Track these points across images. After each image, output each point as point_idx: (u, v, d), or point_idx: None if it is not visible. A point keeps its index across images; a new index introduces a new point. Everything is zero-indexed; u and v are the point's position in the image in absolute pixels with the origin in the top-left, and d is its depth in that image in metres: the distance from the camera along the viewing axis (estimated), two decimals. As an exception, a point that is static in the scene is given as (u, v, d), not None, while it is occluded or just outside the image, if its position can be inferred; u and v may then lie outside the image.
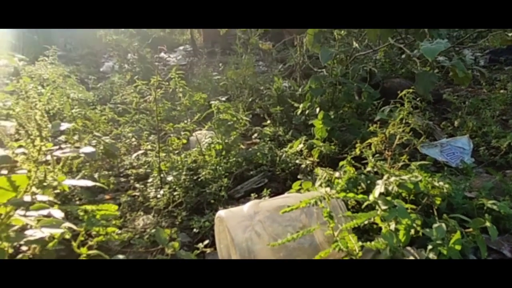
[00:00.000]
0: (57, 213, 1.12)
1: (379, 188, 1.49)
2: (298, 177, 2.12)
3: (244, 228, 1.41)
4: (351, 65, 2.97)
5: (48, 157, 1.34)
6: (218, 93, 3.62)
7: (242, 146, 2.51)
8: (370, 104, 2.73)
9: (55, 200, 1.14)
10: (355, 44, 2.54)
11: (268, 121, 2.74)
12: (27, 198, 1.04)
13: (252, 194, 1.92)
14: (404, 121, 1.88)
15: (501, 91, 3.84)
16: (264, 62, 5.30)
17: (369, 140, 1.89)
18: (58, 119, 2.79)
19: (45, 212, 1.12)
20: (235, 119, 2.36)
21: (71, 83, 3.36)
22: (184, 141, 2.30)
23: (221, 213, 1.37)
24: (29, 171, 1.12)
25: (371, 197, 1.49)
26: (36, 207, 1.07)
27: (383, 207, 1.39)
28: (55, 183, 1.22)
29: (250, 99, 3.20)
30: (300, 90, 2.63)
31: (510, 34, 4.04)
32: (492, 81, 4.33)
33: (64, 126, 1.52)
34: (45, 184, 1.20)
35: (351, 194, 1.38)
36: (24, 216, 1.05)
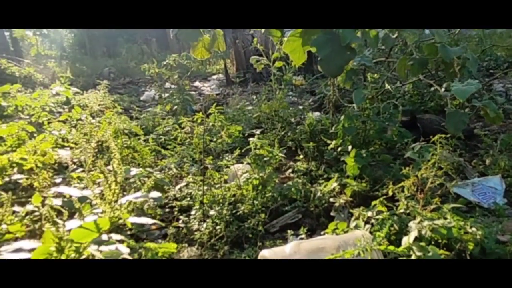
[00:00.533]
0: (124, 249, 1.27)
1: (413, 234, 1.58)
2: (331, 214, 2.22)
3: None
4: (381, 100, 3.08)
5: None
6: (251, 124, 3.79)
7: (276, 181, 2.63)
8: (399, 142, 2.82)
9: (124, 237, 1.28)
10: (387, 86, 2.65)
11: (301, 156, 2.86)
12: (105, 237, 1.20)
13: (289, 231, 2.03)
14: (436, 165, 1.96)
15: (535, 126, 3.83)
16: (293, 92, 5.47)
17: (402, 184, 1.98)
18: (107, 149, 3.01)
19: (113, 247, 1.28)
20: (271, 155, 2.50)
21: (117, 110, 3.61)
22: (226, 176, 2.45)
23: (265, 253, 1.49)
24: (104, 211, 1.29)
25: (405, 242, 1.58)
26: (108, 243, 1.23)
27: (418, 253, 1.47)
28: (120, 221, 1.38)
29: (282, 132, 3.34)
30: (333, 128, 2.75)
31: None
32: (525, 115, 4.31)
33: (133, 171, 1.70)
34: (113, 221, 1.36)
35: (391, 247, 1.47)
36: (97, 250, 1.21)
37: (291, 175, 2.74)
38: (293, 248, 1.51)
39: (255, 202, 2.23)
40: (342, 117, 2.58)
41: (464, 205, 2.60)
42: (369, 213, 2.02)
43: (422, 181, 2.04)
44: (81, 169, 2.43)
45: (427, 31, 3.14)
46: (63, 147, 2.89)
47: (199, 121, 2.62)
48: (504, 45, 7.24)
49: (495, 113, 2.91)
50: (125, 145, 2.82)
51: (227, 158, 2.47)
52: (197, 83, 6.06)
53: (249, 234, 2.04)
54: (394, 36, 2.97)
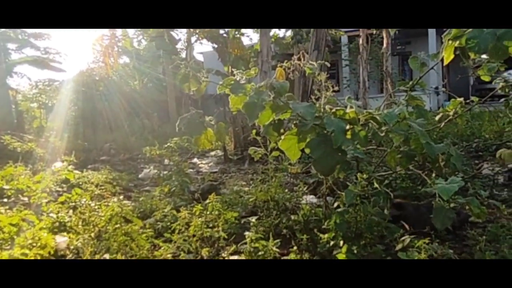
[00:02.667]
0: None
1: None
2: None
3: None
4: (372, 191, 3.23)
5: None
6: (247, 208, 3.89)
7: (270, 274, 2.69)
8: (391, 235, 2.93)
9: None
10: (376, 185, 2.82)
11: (295, 247, 2.94)
12: None
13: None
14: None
15: (522, 215, 3.95)
16: (287, 172, 5.64)
17: None
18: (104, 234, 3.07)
19: None
20: (265, 249, 2.59)
21: (116, 191, 3.72)
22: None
23: None
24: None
25: None
26: None
27: None
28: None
29: (278, 220, 3.44)
30: (325, 224, 2.87)
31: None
32: (512, 202, 4.44)
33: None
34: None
35: None
36: None
37: (285, 268, 2.80)
38: None
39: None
40: (334, 215, 2.71)
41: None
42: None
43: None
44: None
45: (415, 126, 3.37)
46: (60, 231, 2.96)
47: (197, 213, 2.73)
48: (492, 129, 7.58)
49: (478, 209, 3.07)
50: (122, 232, 2.90)
51: (222, 253, 2.54)
52: (195, 160, 6.26)
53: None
54: (382, 134, 3.20)
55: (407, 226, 3.10)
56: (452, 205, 3.58)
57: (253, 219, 3.41)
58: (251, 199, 3.96)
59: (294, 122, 2.84)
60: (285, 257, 2.78)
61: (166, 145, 4.36)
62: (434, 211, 3.03)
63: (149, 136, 5.57)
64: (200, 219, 2.72)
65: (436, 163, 3.43)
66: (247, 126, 4.81)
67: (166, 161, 5.04)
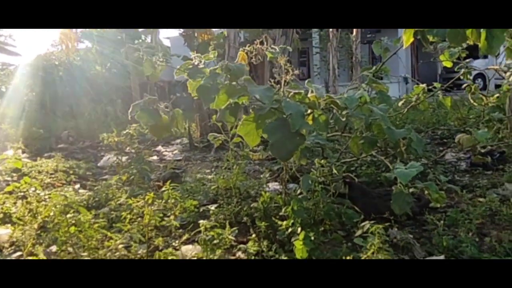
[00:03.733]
0: None
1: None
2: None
3: None
4: (333, 180, 3.19)
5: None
6: (209, 197, 3.79)
7: (226, 262, 2.61)
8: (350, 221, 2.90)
9: None
10: (334, 170, 2.78)
11: (253, 235, 2.87)
12: None
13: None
14: (375, 256, 2.02)
15: (480, 199, 4.03)
16: (263, 167, 5.57)
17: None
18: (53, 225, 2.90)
19: None
20: (222, 237, 2.50)
21: (71, 180, 3.54)
22: None
23: None
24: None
25: None
26: None
27: None
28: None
29: (238, 208, 3.36)
30: (283, 210, 2.81)
31: (482, 151, 4.36)
32: (473, 187, 4.53)
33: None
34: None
35: None
36: None
37: (242, 256, 2.73)
38: None
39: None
40: (292, 202, 2.65)
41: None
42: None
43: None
44: (19, 253, 2.32)
45: (376, 111, 3.33)
46: (4, 223, 2.77)
47: (150, 201, 2.61)
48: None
49: (437, 194, 3.08)
50: (72, 223, 2.74)
51: (174, 242, 2.44)
52: (159, 148, 6.09)
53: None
54: (344, 119, 3.15)
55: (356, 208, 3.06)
56: (411, 190, 3.61)
57: (212, 207, 3.32)
58: (212, 187, 3.86)
59: (252, 106, 2.74)
60: (243, 245, 2.70)
61: (125, 132, 4.18)
62: (393, 197, 3.02)
63: (112, 123, 5.33)
64: (153, 207, 2.59)
65: (398, 148, 3.42)
66: (214, 112, 4.66)
67: (128, 149, 4.86)
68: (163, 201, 2.94)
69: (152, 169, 4.23)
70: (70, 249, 2.32)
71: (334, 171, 2.77)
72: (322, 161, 2.64)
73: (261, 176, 4.25)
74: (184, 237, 2.54)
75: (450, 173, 5.16)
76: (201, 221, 2.50)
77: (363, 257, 2.05)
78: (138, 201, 2.56)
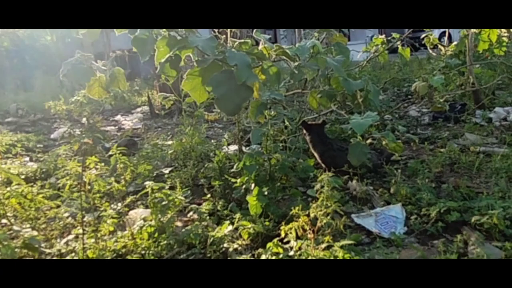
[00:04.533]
0: None
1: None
2: (228, 259, 2.13)
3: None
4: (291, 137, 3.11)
5: None
6: (166, 162, 3.65)
7: (178, 224, 2.51)
8: (307, 175, 2.83)
9: None
10: (286, 122, 2.67)
11: (208, 195, 2.77)
12: None
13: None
14: (324, 204, 1.95)
15: (441, 149, 4.05)
16: (218, 123, 5.42)
17: (290, 225, 1.94)
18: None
19: None
20: (170, 198, 2.38)
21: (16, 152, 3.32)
22: (111, 228, 2.28)
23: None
24: None
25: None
26: None
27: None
28: None
29: (195, 170, 3.24)
30: (235, 167, 2.70)
31: (441, 101, 4.35)
32: (434, 139, 4.57)
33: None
34: None
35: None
36: None
37: (194, 216, 2.63)
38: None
39: (147, 253, 2.08)
40: (244, 157, 2.54)
41: (367, 235, 2.64)
42: (263, 256, 1.96)
43: (313, 219, 2.02)
44: None
45: (330, 61, 3.21)
46: None
47: (92, 165, 2.45)
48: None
49: (394, 143, 3.04)
50: (11, 195, 2.56)
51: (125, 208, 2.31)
52: (118, 117, 5.84)
53: (135, 290, 1.88)
54: (296, 72, 3.03)
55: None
56: (369, 141, 3.56)
57: (166, 171, 3.19)
58: (169, 152, 3.72)
59: (197, 59, 2.57)
60: (195, 205, 2.59)
61: (73, 99, 3.94)
62: (350, 148, 2.96)
63: (69, 95, 5.04)
64: (101, 173, 2.44)
65: (355, 100, 3.34)
66: (178, 87, 4.42)
67: (84, 120, 4.62)
68: (111, 165, 2.78)
69: (109, 139, 4.03)
70: (5, 221, 2.16)
71: (286, 122, 2.66)
72: (273, 112, 2.51)
73: (223, 139, 4.13)
74: (128, 200, 2.39)
75: (413, 127, 5.18)
76: (147, 183, 2.36)
77: (313, 206, 1.97)
78: (83, 168, 2.40)
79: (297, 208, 1.99)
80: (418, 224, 2.67)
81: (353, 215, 2.75)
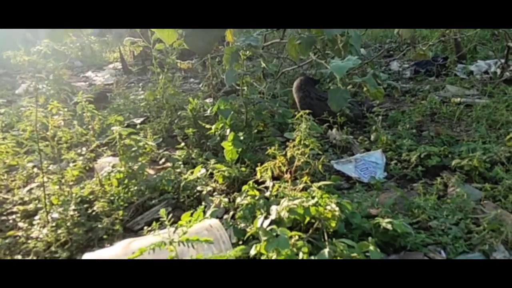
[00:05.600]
0: None
1: (262, 218, 1.43)
2: (203, 204, 2.03)
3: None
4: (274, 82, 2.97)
5: None
6: (138, 114, 3.47)
7: (151, 172, 2.39)
8: (285, 122, 2.71)
9: None
10: (263, 64, 2.52)
11: (182, 144, 2.64)
12: None
13: (154, 224, 1.80)
14: (302, 142, 1.85)
15: (422, 101, 3.99)
16: (195, 79, 5.21)
17: (266, 164, 1.84)
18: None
19: None
20: (140, 144, 2.24)
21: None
22: (76, 172, 2.14)
23: (88, 256, 1.24)
24: None
25: (254, 227, 1.43)
26: None
27: (264, 238, 1.32)
28: None
29: (168, 120, 3.09)
30: (209, 111, 2.56)
31: (423, 48, 4.24)
32: (416, 92, 4.51)
33: None
34: None
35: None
36: None
37: (169, 165, 2.51)
38: (125, 249, 1.28)
39: (116, 198, 1.96)
40: (218, 101, 2.39)
41: (346, 181, 2.58)
42: (238, 199, 1.86)
43: (290, 160, 1.92)
44: None
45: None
46: None
47: (54, 111, 2.27)
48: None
49: (375, 89, 2.93)
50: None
51: (83, 149, 2.16)
52: (89, 73, 5.55)
53: (103, 235, 1.77)
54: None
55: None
56: (349, 87, 3.45)
57: (138, 121, 3.03)
58: (142, 104, 3.54)
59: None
60: (167, 152, 2.46)
61: (35, 49, 3.66)
62: (329, 93, 2.83)
63: (33, 49, 4.71)
64: (60, 118, 2.27)
65: (335, 46, 3.18)
66: (147, 32, 4.13)
67: (46, 73, 4.33)
68: (77, 114, 2.61)
69: (77, 93, 3.79)
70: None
71: (263, 64, 2.51)
72: (248, 52, 2.35)
73: (198, 93, 3.96)
74: (94, 145, 2.24)
75: (395, 80, 5.11)
76: (114, 128, 2.21)
77: (290, 145, 1.87)
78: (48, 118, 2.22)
79: (273, 148, 1.89)
80: (398, 169, 2.62)
81: (332, 161, 2.67)
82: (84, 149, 2.53)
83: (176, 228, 1.21)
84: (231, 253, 1.15)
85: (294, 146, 1.84)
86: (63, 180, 2.06)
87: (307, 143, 1.80)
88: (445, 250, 1.73)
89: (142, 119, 3.14)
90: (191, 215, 1.63)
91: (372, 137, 3.06)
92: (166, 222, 1.09)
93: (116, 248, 1.28)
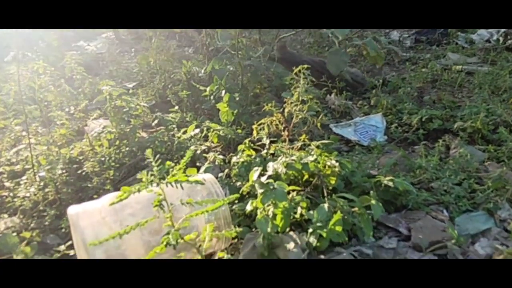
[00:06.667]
0: None
1: (258, 171, 1.36)
2: (197, 164, 1.96)
3: (109, 225, 1.23)
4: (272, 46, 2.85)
5: None
6: (131, 80, 3.36)
7: (143, 135, 2.30)
8: (282, 84, 2.62)
9: None
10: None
11: (176, 107, 2.54)
12: None
13: (144, 177, 1.73)
14: (300, 99, 1.76)
15: (423, 69, 3.89)
16: (192, 47, 5.06)
17: (263, 120, 1.76)
18: None
19: None
20: (131, 105, 2.15)
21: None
22: (63, 131, 2.06)
23: (72, 210, 1.17)
24: None
25: (250, 181, 1.36)
26: None
27: (260, 190, 1.26)
28: None
29: (162, 85, 2.98)
30: (202, 71, 2.45)
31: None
32: (416, 60, 4.40)
33: None
34: None
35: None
36: None
37: (162, 129, 2.42)
38: (110, 200, 1.21)
39: (106, 159, 1.89)
40: (212, 61, 2.29)
41: (345, 144, 2.51)
42: (234, 158, 1.79)
43: (288, 118, 1.84)
44: None
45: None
46: None
47: (40, 71, 2.17)
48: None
49: (376, 52, 2.83)
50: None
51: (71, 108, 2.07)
52: (81, 43, 5.39)
53: (93, 195, 1.70)
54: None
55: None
56: (349, 50, 3.34)
57: (130, 85, 2.93)
58: (134, 70, 3.42)
59: None
60: (160, 114, 2.37)
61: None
62: (328, 56, 2.74)
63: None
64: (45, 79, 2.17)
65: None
66: None
67: (41, 43, 4.19)
68: (66, 75, 2.50)
69: (63, 56, 3.66)
70: None
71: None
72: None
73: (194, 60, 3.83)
74: (82, 105, 2.15)
75: (396, 48, 5.00)
76: (104, 87, 2.11)
77: (287, 101, 1.78)
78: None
79: (270, 105, 1.80)
80: (398, 132, 2.55)
81: (331, 125, 2.59)
82: (72, 108, 2.43)
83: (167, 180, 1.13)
84: (225, 200, 1.07)
85: (292, 102, 1.75)
86: (51, 140, 1.97)
87: (305, 99, 1.71)
88: (448, 210, 1.68)
89: (134, 83, 3.04)
90: (184, 171, 1.56)
91: (372, 102, 2.97)
92: (153, 163, 1.01)
93: (102, 200, 1.21)
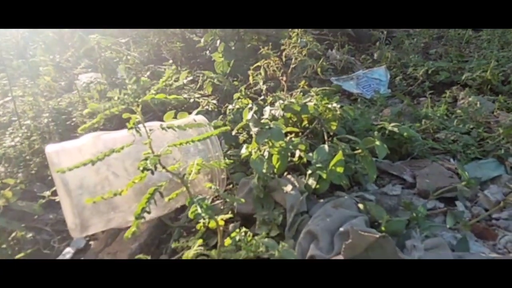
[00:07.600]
0: None
1: (252, 111, 1.26)
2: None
3: (97, 168, 1.15)
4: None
5: None
6: (125, 35, 3.21)
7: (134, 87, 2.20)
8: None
9: None
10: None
11: (170, 61, 2.42)
12: None
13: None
14: (299, 41, 1.64)
15: (428, 27, 3.72)
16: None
17: (259, 63, 1.65)
18: None
19: None
20: (121, 55, 2.03)
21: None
22: (48, 78, 1.95)
23: (51, 148, 1.09)
24: None
25: (244, 121, 1.27)
26: None
27: (255, 129, 1.16)
28: None
29: (156, 40, 2.84)
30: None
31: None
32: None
33: None
34: None
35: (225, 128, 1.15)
36: None
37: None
38: (92, 139, 1.13)
39: (96, 110, 1.79)
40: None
41: (348, 98, 2.41)
42: (230, 106, 1.70)
43: (286, 63, 1.73)
44: None
45: None
46: None
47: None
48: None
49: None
50: None
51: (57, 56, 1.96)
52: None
53: (82, 145, 1.62)
54: None
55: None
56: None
57: (122, 40, 2.78)
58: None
59: None
60: (152, 66, 2.26)
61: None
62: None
63: None
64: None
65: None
66: None
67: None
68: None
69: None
70: None
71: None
72: None
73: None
74: (68, 54, 2.04)
75: None
76: (92, 36, 1.99)
77: (285, 43, 1.67)
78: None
79: (266, 48, 1.69)
80: (403, 85, 2.44)
81: (332, 78, 2.47)
82: (58, 56, 2.32)
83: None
84: (215, 132, 0.97)
85: (290, 44, 1.63)
86: (38, 91, 1.87)
87: (304, 40, 1.59)
88: (455, 159, 1.59)
89: (127, 38, 2.90)
90: (175, 116, 1.47)
91: (376, 55, 2.84)
92: (127, 80, 0.92)
93: (84, 139, 1.13)
